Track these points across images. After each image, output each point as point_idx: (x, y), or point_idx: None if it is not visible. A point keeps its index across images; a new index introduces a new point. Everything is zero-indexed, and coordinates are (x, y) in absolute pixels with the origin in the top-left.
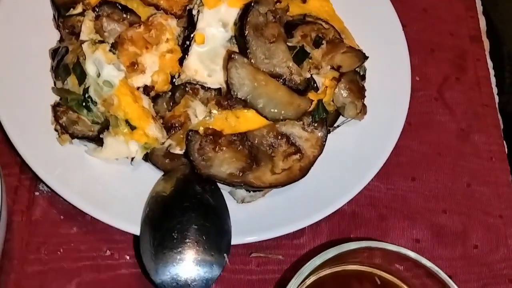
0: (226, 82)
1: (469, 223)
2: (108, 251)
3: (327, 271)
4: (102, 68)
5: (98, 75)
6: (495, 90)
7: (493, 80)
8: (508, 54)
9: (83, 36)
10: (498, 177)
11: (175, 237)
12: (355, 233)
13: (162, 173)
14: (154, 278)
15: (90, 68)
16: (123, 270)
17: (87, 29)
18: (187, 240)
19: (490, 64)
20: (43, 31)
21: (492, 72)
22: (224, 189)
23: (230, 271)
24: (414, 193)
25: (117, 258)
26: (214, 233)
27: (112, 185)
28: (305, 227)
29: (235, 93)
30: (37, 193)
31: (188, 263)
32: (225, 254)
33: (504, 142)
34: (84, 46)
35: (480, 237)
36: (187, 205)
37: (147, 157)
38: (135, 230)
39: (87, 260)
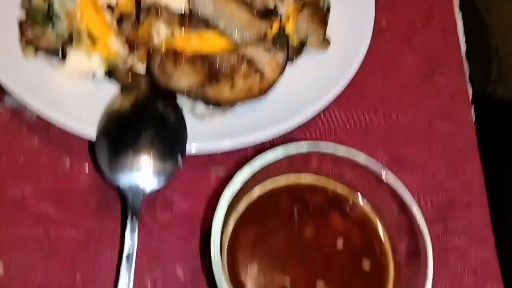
0: (188, 3)
1: (428, 155)
2: (68, 162)
3: (282, 181)
4: None
5: None
6: (462, 38)
7: (460, 28)
8: (495, 47)
9: None
10: (459, 116)
11: (130, 141)
12: None
13: None
14: (109, 181)
15: None
16: (82, 181)
17: None
18: (142, 144)
19: (458, 15)
20: None
21: (459, 23)
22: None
23: (189, 182)
24: (376, 125)
25: (76, 170)
26: (170, 138)
27: (74, 98)
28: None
29: (197, 13)
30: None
31: (143, 165)
32: (179, 155)
33: (469, 85)
34: None
35: (439, 168)
36: (144, 115)
37: (110, 76)
38: (92, 135)
39: (46, 169)
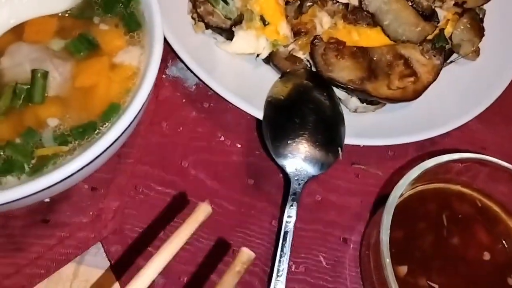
0: None
1: None
2: (222, 137)
3: (429, 186)
4: None
5: None
6: None
7: None
8: None
9: None
10: None
11: (297, 127)
12: None
13: (278, 76)
14: (276, 162)
15: None
16: (234, 157)
17: None
18: (309, 132)
19: None
20: None
21: None
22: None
23: (331, 176)
24: None
25: (229, 145)
26: (332, 129)
27: (233, 76)
28: (408, 150)
29: (366, 6)
30: (164, 76)
31: (309, 151)
32: (339, 148)
33: None
34: None
35: None
36: (307, 103)
37: (268, 60)
38: (247, 110)
39: (202, 141)
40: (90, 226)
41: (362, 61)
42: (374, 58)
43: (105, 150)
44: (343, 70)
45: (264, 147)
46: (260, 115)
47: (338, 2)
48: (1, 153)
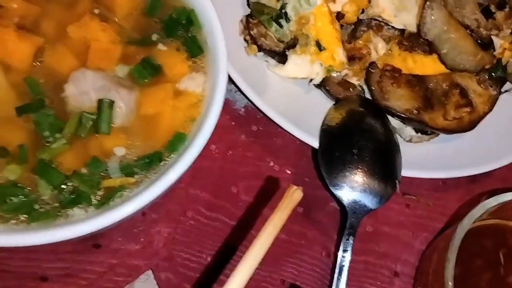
0: (418, 24)
1: None
2: (271, 162)
3: (486, 222)
4: None
5: None
6: None
7: None
8: None
9: None
10: None
11: (355, 153)
12: None
13: (330, 101)
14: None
15: None
16: (283, 183)
17: None
18: (367, 163)
19: None
20: None
21: None
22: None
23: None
24: None
25: (278, 171)
26: (389, 161)
27: (284, 100)
28: (460, 181)
29: (424, 34)
30: None
31: (369, 184)
32: (396, 181)
33: None
34: None
35: None
36: (364, 133)
37: (320, 85)
38: (308, 139)
39: (251, 166)
40: (141, 253)
41: (418, 89)
42: (430, 87)
43: (172, 184)
44: (400, 99)
45: (318, 175)
46: (310, 140)
47: (393, 27)
48: (69, 184)
